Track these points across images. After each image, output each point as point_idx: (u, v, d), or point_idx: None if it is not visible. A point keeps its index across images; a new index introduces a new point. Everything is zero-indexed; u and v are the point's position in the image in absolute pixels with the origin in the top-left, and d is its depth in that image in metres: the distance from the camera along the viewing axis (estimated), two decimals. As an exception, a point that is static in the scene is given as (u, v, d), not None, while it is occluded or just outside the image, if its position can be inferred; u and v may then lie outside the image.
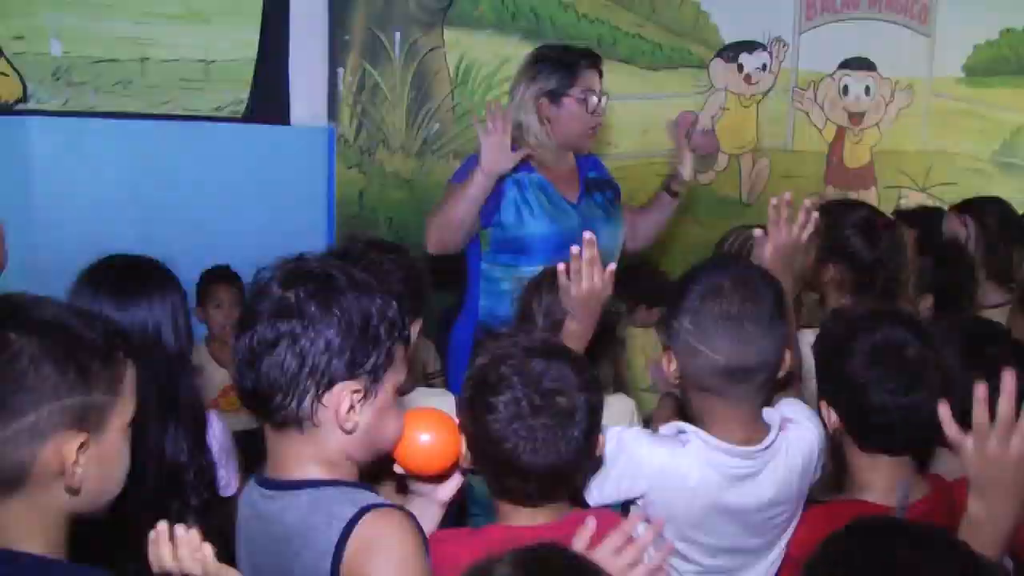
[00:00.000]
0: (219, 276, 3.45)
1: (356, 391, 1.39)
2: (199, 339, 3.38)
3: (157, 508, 1.68)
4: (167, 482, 1.76)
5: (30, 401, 1.16)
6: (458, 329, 2.95)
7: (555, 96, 2.87)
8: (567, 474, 1.51)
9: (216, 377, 3.26)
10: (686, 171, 3.07)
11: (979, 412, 1.34)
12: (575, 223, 2.89)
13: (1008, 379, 1.34)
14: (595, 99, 2.88)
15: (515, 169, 2.84)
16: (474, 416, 1.51)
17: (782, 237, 1.94)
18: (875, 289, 2.41)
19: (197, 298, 3.38)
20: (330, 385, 1.37)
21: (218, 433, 1.92)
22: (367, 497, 1.39)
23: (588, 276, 1.87)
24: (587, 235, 1.89)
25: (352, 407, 1.39)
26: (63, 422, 1.19)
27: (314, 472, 1.40)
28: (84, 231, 3.21)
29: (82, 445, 1.20)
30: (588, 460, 1.55)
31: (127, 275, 1.83)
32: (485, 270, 2.95)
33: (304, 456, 1.41)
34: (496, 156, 2.73)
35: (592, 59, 2.93)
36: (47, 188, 3.29)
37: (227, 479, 1.97)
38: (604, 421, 2.13)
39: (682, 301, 1.70)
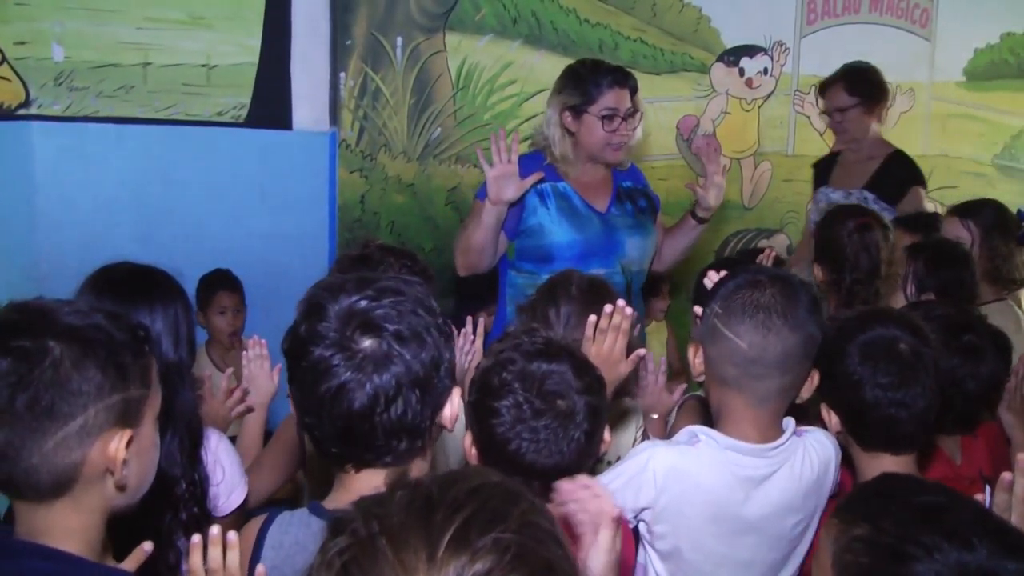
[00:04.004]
0: (222, 282, 3.44)
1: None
2: (200, 344, 3.39)
3: (151, 520, 1.67)
4: (160, 494, 1.74)
5: (78, 405, 1.18)
6: (491, 337, 2.91)
7: (577, 111, 2.91)
8: (571, 473, 1.50)
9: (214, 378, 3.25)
10: (711, 197, 3.02)
11: (1002, 498, 1.42)
12: (599, 231, 2.92)
13: (1007, 476, 1.42)
14: (618, 119, 2.89)
15: (540, 179, 2.88)
16: (479, 419, 1.53)
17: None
18: (842, 290, 2.43)
19: (197, 303, 3.37)
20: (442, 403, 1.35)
21: (213, 447, 1.89)
22: None
23: (610, 342, 1.90)
24: (620, 303, 1.91)
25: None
26: (108, 420, 1.21)
27: None
28: (86, 235, 3.23)
29: (129, 441, 1.23)
30: (591, 460, 1.56)
31: (129, 283, 1.81)
32: (511, 277, 2.97)
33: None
34: (499, 188, 2.76)
35: (619, 77, 2.94)
36: (49, 192, 3.30)
37: (225, 496, 1.90)
38: (616, 426, 2.16)
39: (719, 288, 1.72)
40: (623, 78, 2.96)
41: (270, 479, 2.10)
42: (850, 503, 1.22)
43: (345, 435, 1.29)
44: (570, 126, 2.93)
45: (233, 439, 2.09)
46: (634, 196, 3.07)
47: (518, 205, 2.87)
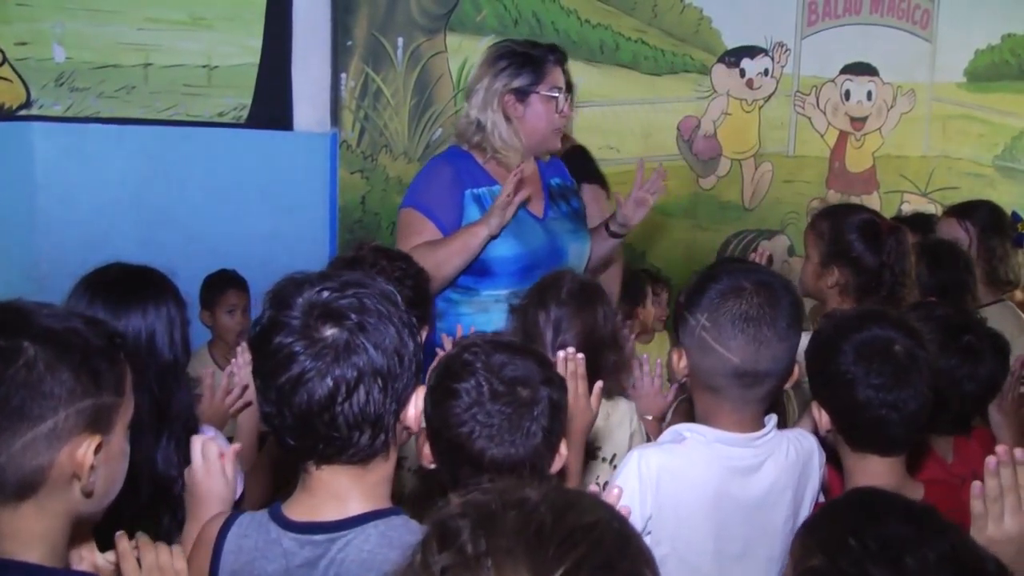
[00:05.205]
0: (230, 281, 3.43)
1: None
2: (200, 342, 3.39)
3: (149, 521, 1.67)
4: (158, 495, 1.74)
5: (49, 407, 1.18)
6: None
7: (522, 94, 2.65)
8: (520, 470, 1.47)
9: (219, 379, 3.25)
10: (632, 215, 2.78)
11: (976, 504, 1.40)
12: (542, 241, 2.68)
13: (1003, 450, 1.40)
14: (562, 98, 2.68)
15: (474, 182, 2.66)
16: (436, 402, 1.50)
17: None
18: (880, 293, 2.41)
19: (202, 302, 3.38)
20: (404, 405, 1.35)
21: None
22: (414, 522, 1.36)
23: (572, 389, 1.79)
24: (571, 350, 1.82)
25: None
26: (79, 425, 1.20)
27: (365, 505, 1.35)
28: (86, 235, 3.23)
29: (98, 447, 1.22)
30: (544, 463, 1.52)
31: (123, 284, 1.80)
32: (445, 293, 2.67)
33: (360, 489, 1.35)
34: (506, 215, 2.55)
35: (558, 55, 2.72)
36: (50, 193, 3.30)
37: None
38: (610, 422, 2.16)
39: (701, 298, 1.69)
40: (563, 56, 2.74)
41: (267, 481, 2.10)
42: (815, 525, 1.21)
43: (305, 426, 1.28)
44: (513, 111, 2.66)
45: (230, 439, 2.09)
46: (566, 196, 2.84)
47: (456, 209, 2.63)
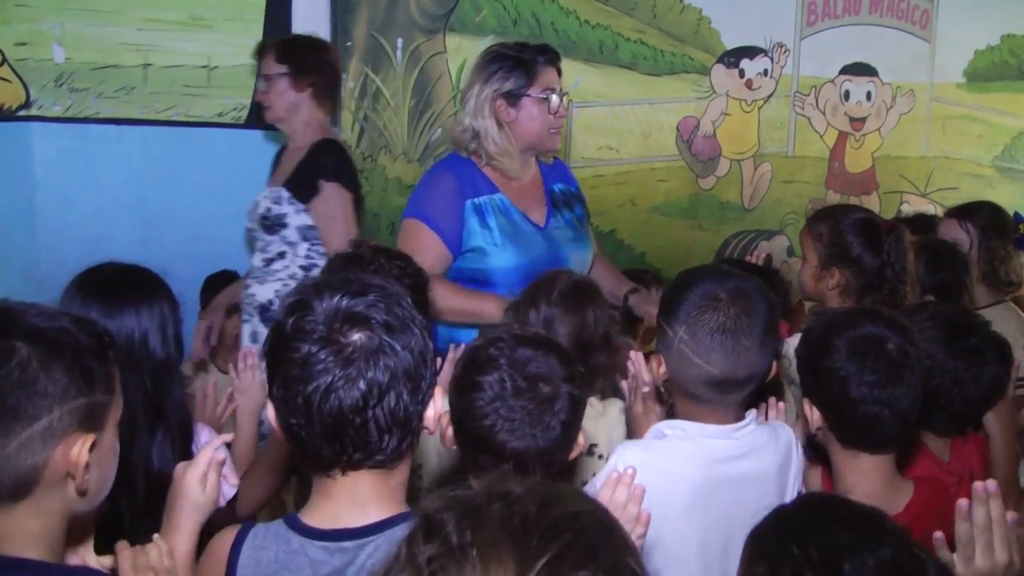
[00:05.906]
0: (230, 283, 3.43)
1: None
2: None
3: (146, 517, 1.67)
4: (154, 492, 1.74)
5: (43, 406, 1.18)
6: None
7: (513, 97, 2.64)
8: (539, 461, 1.52)
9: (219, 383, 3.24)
10: (643, 312, 2.75)
11: (962, 528, 1.40)
12: (543, 250, 2.67)
13: (980, 487, 1.40)
14: (556, 98, 2.65)
15: (476, 191, 2.65)
16: (460, 392, 1.54)
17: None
18: (882, 292, 2.42)
19: (202, 303, 3.37)
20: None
21: (203, 443, 1.89)
22: None
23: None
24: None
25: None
26: (72, 424, 1.20)
27: (385, 509, 1.34)
28: (86, 236, 3.23)
29: (92, 445, 1.22)
30: (563, 454, 1.57)
31: (115, 283, 1.81)
32: None
33: (381, 493, 1.34)
34: None
35: (550, 55, 2.69)
36: (50, 193, 3.31)
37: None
38: (604, 425, 2.17)
39: (678, 309, 1.70)
40: (555, 55, 2.71)
41: (263, 487, 2.09)
42: (762, 531, 1.22)
43: (335, 433, 1.26)
44: (505, 116, 2.64)
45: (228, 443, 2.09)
46: (570, 203, 2.83)
47: (457, 220, 2.62)
